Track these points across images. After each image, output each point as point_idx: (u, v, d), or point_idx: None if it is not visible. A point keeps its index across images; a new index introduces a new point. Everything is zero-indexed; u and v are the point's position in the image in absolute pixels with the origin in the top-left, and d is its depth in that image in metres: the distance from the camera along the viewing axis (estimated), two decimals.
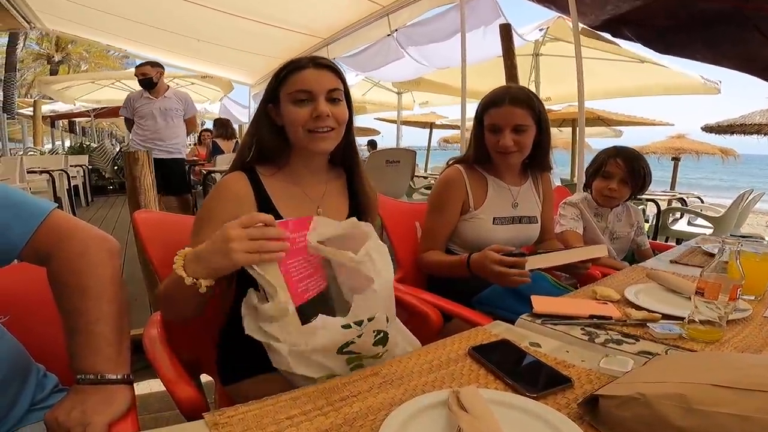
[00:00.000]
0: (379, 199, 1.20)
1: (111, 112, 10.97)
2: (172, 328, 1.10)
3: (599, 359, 0.81)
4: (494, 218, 1.52)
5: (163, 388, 0.88)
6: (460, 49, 3.42)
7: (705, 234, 4.59)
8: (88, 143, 9.52)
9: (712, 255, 1.58)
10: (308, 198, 1.08)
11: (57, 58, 23.55)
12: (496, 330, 0.95)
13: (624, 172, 1.83)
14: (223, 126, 6.60)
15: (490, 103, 1.47)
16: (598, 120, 7.28)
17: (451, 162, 1.61)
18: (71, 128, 15.09)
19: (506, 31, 3.16)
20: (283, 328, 0.77)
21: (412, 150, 4.71)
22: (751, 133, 6.92)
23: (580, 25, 3.64)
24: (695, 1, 2.62)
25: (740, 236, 1.61)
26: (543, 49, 5.03)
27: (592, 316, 1.00)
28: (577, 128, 3.11)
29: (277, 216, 0.99)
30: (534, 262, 1.24)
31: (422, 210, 1.61)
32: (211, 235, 0.78)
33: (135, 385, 0.77)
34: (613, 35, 3.27)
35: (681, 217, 4.96)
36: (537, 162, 1.58)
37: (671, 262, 1.57)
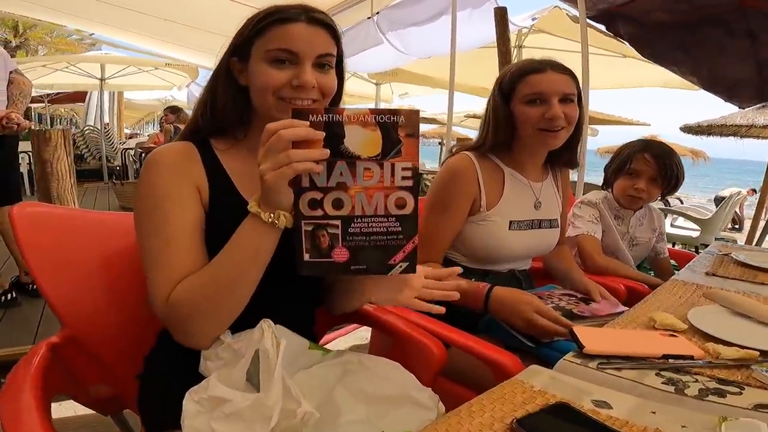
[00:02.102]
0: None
1: (68, 97, 10.27)
2: (77, 350, 0.85)
3: (714, 425, 0.54)
4: (511, 222, 1.21)
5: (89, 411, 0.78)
6: (450, 33, 3.12)
7: (690, 235, 4.52)
8: (36, 128, 8.84)
9: (747, 265, 1.38)
10: None
11: (14, 43, 22.40)
12: (536, 381, 0.65)
13: (654, 169, 1.57)
14: (174, 112, 6.23)
15: (528, 70, 1.16)
16: None
17: (456, 149, 1.29)
18: (26, 115, 14.17)
19: (501, 15, 2.94)
20: None
21: None
22: (728, 135, 6.92)
23: (574, 13, 3.44)
24: None
25: None
26: (526, 41, 4.81)
27: (666, 356, 0.72)
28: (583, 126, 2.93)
29: (240, 200, 0.80)
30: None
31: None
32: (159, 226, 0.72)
33: (58, 405, 0.67)
34: (608, 28, 3.15)
35: (664, 218, 4.84)
36: (565, 155, 1.27)
37: (707, 274, 1.33)
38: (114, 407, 0.94)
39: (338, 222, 0.64)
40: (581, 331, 0.77)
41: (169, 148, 0.80)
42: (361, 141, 0.61)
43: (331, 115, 0.61)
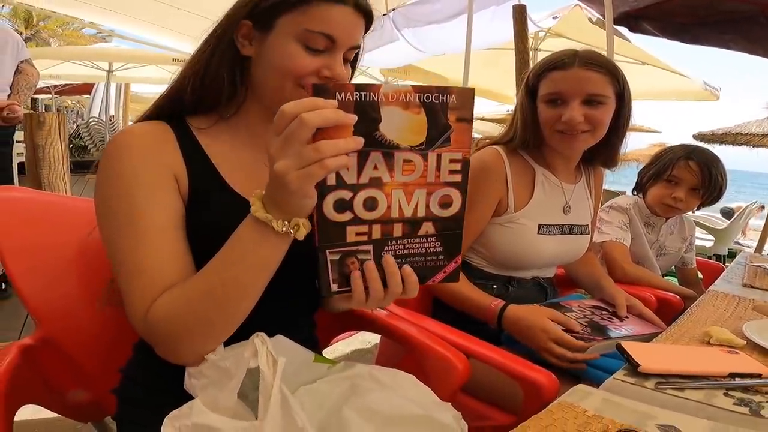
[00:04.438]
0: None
1: (75, 89, 10.23)
2: (53, 352, 0.74)
3: None
4: (540, 225, 1.10)
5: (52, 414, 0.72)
6: (466, 30, 3.03)
7: (704, 245, 4.41)
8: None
9: None
10: (263, 164, 0.66)
11: (26, 34, 22.54)
12: (587, 404, 0.56)
13: (697, 178, 1.44)
14: None
15: (550, 66, 1.05)
16: None
17: (485, 142, 1.17)
18: (33, 106, 14.21)
19: (520, 13, 2.84)
20: None
21: None
22: (742, 144, 6.81)
23: (596, 16, 3.35)
24: (720, 1, 2.45)
25: None
26: (543, 45, 4.72)
27: (732, 375, 0.62)
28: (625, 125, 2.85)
29: (225, 188, 0.67)
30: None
31: None
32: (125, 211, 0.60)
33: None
34: (631, 29, 3.07)
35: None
36: (603, 153, 1.15)
37: (744, 285, 1.25)
38: (94, 414, 0.84)
39: (369, 247, 0.54)
40: (632, 347, 0.67)
41: (138, 128, 0.67)
42: (401, 126, 0.49)
43: (363, 93, 0.47)
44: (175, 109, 0.69)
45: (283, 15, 0.65)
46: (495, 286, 1.14)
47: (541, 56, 4.77)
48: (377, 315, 0.98)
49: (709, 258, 4.16)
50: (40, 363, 0.72)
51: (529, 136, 1.09)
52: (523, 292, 1.16)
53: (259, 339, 0.59)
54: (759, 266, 1.46)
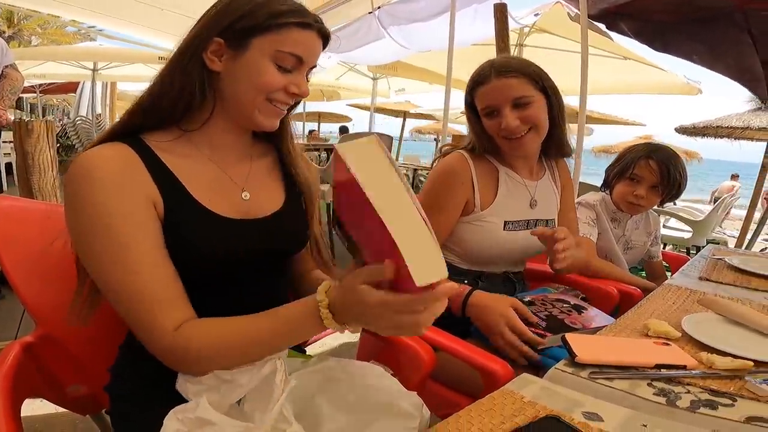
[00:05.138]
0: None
1: (60, 88, 10.13)
2: (54, 349, 0.81)
3: None
4: (506, 222, 1.19)
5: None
6: (448, 28, 3.09)
7: (683, 237, 4.52)
8: (24, 118, 8.70)
9: (740, 270, 1.37)
10: (227, 178, 0.77)
11: (8, 33, 22.12)
12: (527, 391, 0.64)
13: (656, 177, 1.53)
14: None
15: (476, 83, 1.15)
16: (572, 116, 7.11)
17: (447, 148, 1.26)
18: (18, 105, 14.02)
19: (501, 11, 2.89)
20: None
21: (388, 135, 4.36)
22: (723, 137, 6.95)
23: (574, 12, 3.40)
24: None
25: None
26: (528, 41, 4.78)
27: (658, 366, 0.70)
28: (577, 125, 2.89)
29: (194, 204, 0.70)
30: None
31: None
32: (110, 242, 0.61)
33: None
34: (608, 27, 3.12)
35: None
36: (553, 145, 1.25)
37: (700, 278, 1.31)
38: (92, 407, 0.91)
39: None
40: (574, 339, 0.75)
41: (99, 154, 0.66)
42: None
43: None
44: (130, 128, 0.71)
45: (258, 36, 0.70)
46: (466, 281, 1.22)
47: (526, 52, 4.84)
48: None
49: (688, 250, 4.27)
50: (40, 359, 0.78)
51: (484, 144, 1.18)
52: (492, 286, 1.24)
53: (280, 361, 0.67)
54: (720, 259, 1.51)
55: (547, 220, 1.28)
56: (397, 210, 0.47)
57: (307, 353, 0.92)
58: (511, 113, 1.10)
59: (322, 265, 0.89)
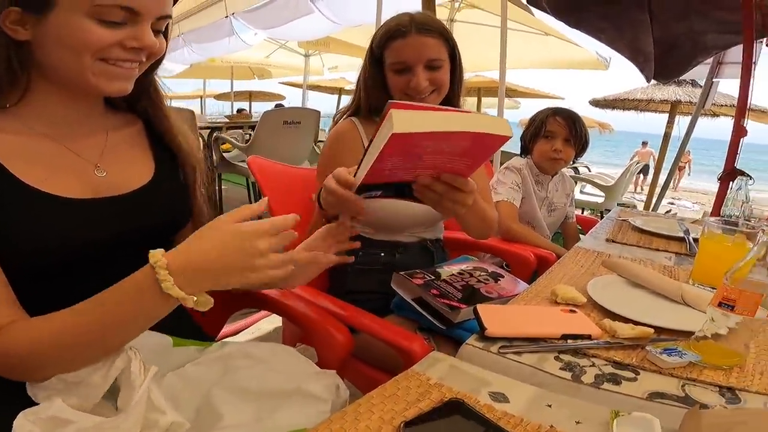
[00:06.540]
0: (258, 163, 0.96)
1: None
2: None
3: (606, 419, 0.51)
4: None
5: None
6: (376, 1, 2.99)
7: (596, 201, 4.84)
8: None
9: (643, 231, 1.43)
10: (73, 155, 0.68)
11: None
12: (433, 372, 0.60)
13: (566, 130, 1.69)
14: None
15: (392, 35, 1.10)
16: (494, 89, 7.30)
17: (338, 117, 1.23)
18: None
19: None
20: None
21: (316, 110, 4.19)
22: (630, 109, 7.50)
23: None
24: None
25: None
26: (458, 16, 4.77)
27: (565, 336, 0.70)
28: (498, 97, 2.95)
29: (18, 184, 0.61)
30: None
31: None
32: None
33: None
34: (529, 2, 3.16)
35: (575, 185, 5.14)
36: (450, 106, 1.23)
37: (607, 240, 1.36)
38: None
39: None
40: (485, 310, 0.73)
41: None
42: None
43: None
44: None
45: None
46: (383, 254, 1.19)
47: (457, 27, 4.83)
48: (270, 294, 0.98)
49: (602, 214, 4.57)
50: None
51: (374, 103, 1.15)
52: (410, 257, 1.22)
53: (132, 351, 0.60)
54: (625, 220, 1.58)
55: None
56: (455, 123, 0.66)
57: (216, 340, 0.84)
58: (423, 73, 1.09)
59: None
